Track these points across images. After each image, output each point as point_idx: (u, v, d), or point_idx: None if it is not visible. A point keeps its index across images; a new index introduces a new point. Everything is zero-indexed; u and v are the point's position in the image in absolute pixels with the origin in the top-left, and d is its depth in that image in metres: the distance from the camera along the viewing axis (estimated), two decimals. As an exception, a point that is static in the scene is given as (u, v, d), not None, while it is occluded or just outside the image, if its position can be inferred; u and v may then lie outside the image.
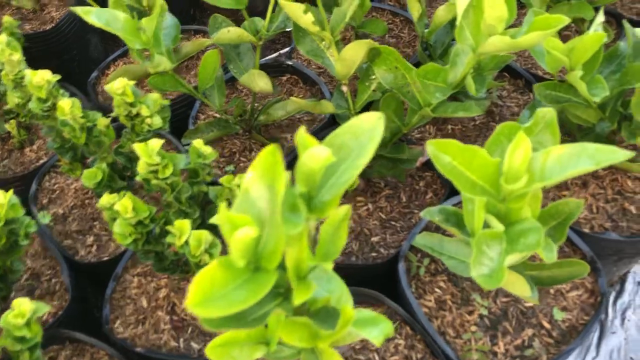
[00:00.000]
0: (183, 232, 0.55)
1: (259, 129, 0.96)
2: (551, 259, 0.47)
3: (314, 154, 0.27)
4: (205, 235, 0.55)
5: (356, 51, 0.70)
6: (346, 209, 0.32)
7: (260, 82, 0.80)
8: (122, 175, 0.76)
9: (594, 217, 0.79)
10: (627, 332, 0.95)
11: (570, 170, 0.40)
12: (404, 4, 1.22)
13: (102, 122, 0.71)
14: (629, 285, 1.00)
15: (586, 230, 0.77)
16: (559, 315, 0.68)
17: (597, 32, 0.66)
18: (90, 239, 0.85)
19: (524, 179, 0.41)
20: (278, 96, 1.01)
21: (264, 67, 0.95)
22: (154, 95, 0.71)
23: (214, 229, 0.58)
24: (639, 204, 0.80)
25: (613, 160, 0.38)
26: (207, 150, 0.62)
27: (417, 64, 0.70)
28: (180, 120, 1.00)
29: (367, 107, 0.79)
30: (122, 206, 0.56)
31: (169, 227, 0.56)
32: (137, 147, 0.56)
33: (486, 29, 0.56)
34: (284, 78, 1.07)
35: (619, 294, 1.00)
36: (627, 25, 0.74)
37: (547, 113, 0.46)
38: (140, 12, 1.03)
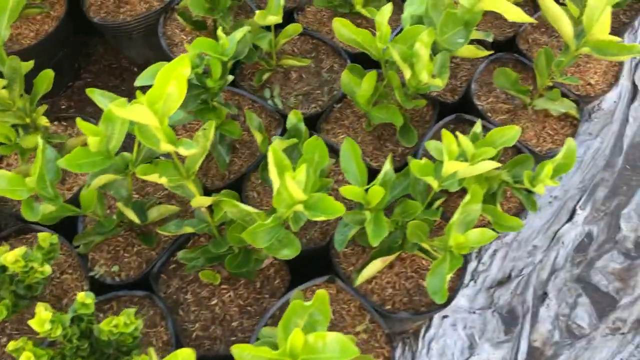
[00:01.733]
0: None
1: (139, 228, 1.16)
2: None
3: None
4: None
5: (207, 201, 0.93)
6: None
7: (131, 215, 1.01)
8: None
9: (396, 294, 1.10)
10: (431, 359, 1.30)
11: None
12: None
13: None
14: (435, 320, 1.35)
15: (388, 307, 1.08)
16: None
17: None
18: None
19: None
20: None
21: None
22: (44, 241, 0.91)
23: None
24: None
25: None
26: (89, 300, 0.83)
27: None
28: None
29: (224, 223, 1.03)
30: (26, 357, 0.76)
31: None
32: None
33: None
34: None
35: (428, 328, 1.34)
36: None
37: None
38: (25, 126, 1.19)
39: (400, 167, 1.24)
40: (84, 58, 1.72)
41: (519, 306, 1.34)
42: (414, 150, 1.25)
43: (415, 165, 0.95)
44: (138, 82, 1.04)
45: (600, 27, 1.08)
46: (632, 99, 1.64)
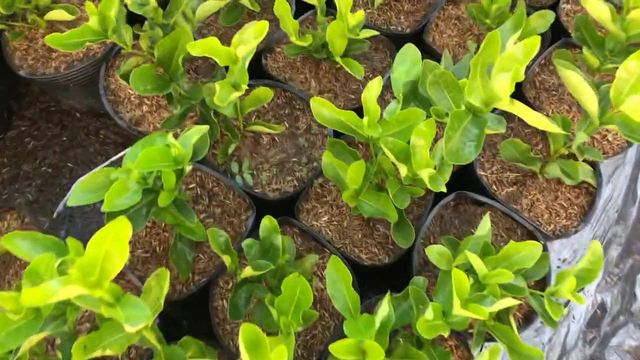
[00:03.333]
0: None
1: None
2: None
3: None
4: None
5: None
6: None
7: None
8: None
9: None
10: None
11: None
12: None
13: None
14: None
15: None
16: None
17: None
18: None
19: None
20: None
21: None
22: None
23: None
24: None
25: None
26: None
27: None
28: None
29: None
30: None
31: None
32: None
33: None
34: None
35: None
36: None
37: None
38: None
39: (398, 259, 1.08)
40: (16, 100, 1.48)
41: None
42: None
43: (422, 324, 0.79)
44: (70, 202, 0.86)
45: (632, 107, 0.91)
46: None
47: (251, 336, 0.69)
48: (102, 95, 1.21)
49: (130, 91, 1.23)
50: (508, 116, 1.21)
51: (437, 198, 1.12)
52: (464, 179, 1.19)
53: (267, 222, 0.95)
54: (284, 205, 1.13)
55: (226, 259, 0.91)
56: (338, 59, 1.17)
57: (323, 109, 0.96)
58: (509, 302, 0.83)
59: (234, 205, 1.12)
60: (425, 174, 0.90)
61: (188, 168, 0.99)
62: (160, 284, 0.80)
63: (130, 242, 1.09)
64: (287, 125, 1.21)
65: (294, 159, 1.18)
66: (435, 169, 0.96)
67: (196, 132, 0.87)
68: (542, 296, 0.97)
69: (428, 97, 0.98)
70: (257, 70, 1.25)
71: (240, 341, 0.68)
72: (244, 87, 1.02)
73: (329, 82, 1.26)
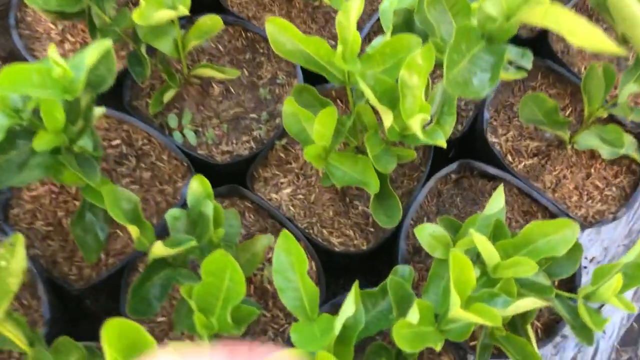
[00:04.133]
0: None
1: None
2: None
3: None
4: None
5: None
6: None
7: None
8: None
9: None
10: None
11: None
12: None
13: None
14: None
15: None
16: None
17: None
18: None
19: None
20: None
21: None
22: None
23: None
24: None
25: None
26: None
27: None
28: None
29: None
30: None
31: None
32: None
33: None
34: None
35: None
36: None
37: None
38: None
39: (380, 246, 0.82)
40: None
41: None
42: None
43: (403, 331, 0.53)
44: None
45: None
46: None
47: (124, 339, 0.43)
48: (12, 28, 0.95)
49: (51, 25, 0.98)
50: (529, 72, 0.96)
51: (434, 169, 0.86)
52: (473, 149, 0.94)
53: (196, 185, 0.69)
54: (236, 172, 0.88)
55: (133, 231, 0.65)
56: (315, -10, 0.92)
57: (283, 34, 0.70)
58: (531, 303, 0.57)
59: (169, 169, 0.86)
60: (417, 123, 0.64)
61: (98, 112, 0.74)
62: (15, 255, 0.54)
63: (27, 211, 0.83)
64: (247, 73, 0.95)
65: (252, 115, 0.92)
66: (432, 121, 0.71)
67: (94, 49, 0.62)
68: (572, 299, 0.72)
69: (427, 28, 0.72)
70: (215, 9, 1.00)
71: (104, 345, 0.43)
72: (184, 9, 0.77)
73: (303, 23, 1.01)
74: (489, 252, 0.62)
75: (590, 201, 0.88)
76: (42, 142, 0.61)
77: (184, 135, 0.89)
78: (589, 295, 0.69)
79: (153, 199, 0.85)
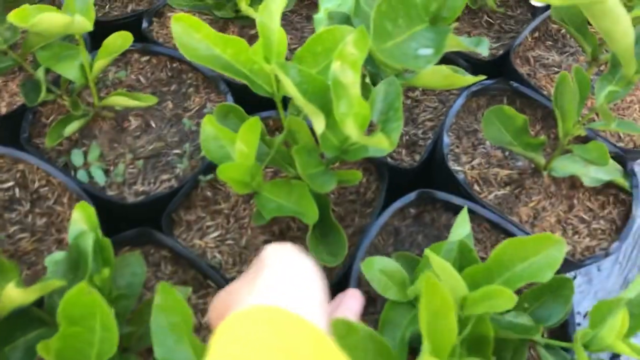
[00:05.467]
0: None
1: None
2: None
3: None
4: None
5: None
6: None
7: None
8: None
9: None
10: None
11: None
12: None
13: None
14: None
15: None
16: None
17: None
18: None
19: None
20: None
21: None
22: None
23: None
24: None
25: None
26: None
27: None
28: None
29: None
30: None
31: None
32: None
33: None
34: None
35: None
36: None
37: None
38: None
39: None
40: None
41: None
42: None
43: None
44: None
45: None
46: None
47: None
48: None
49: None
50: (492, 98, 0.85)
51: (389, 202, 0.72)
52: (432, 180, 0.81)
53: (78, 215, 0.54)
54: (153, 216, 0.73)
55: None
56: (245, 8, 0.82)
57: (193, 35, 0.59)
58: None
59: (69, 215, 0.71)
60: (353, 127, 0.51)
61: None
62: None
63: None
64: (172, 106, 0.83)
65: (175, 151, 0.79)
66: (375, 125, 0.58)
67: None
68: (568, 350, 0.57)
69: (366, 24, 0.62)
70: (139, 40, 0.89)
71: None
72: (85, 21, 0.65)
73: (238, 54, 0.90)
74: (454, 280, 0.47)
75: (576, 236, 0.74)
76: None
77: (89, 174, 0.75)
78: (588, 341, 0.54)
79: (48, 250, 0.69)
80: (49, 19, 0.62)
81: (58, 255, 0.56)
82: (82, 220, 0.54)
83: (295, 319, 0.31)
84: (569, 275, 0.71)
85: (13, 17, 0.59)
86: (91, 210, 0.54)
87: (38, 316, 0.53)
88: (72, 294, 0.41)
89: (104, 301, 0.42)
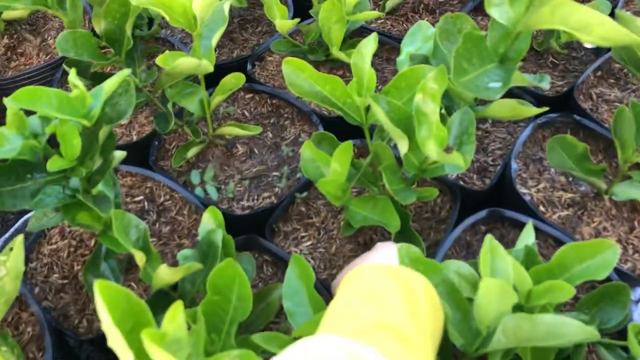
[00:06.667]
0: None
1: None
2: None
3: None
4: None
5: None
6: None
7: None
8: None
9: None
10: None
11: None
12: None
13: None
14: None
15: None
16: None
17: None
18: None
19: None
20: None
21: None
22: None
23: None
24: None
25: None
26: None
27: None
28: None
29: None
30: None
31: None
32: None
33: None
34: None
35: None
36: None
37: None
38: None
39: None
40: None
41: None
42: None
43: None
44: None
45: None
46: None
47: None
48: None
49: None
50: (556, 129, 0.93)
51: (462, 219, 0.82)
52: (501, 201, 0.89)
53: (208, 216, 0.67)
54: (257, 225, 0.85)
55: (139, 258, 0.62)
56: (335, 52, 0.95)
57: (299, 75, 0.72)
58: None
59: (189, 224, 0.85)
60: (433, 148, 0.62)
61: (119, 154, 0.74)
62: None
63: (44, 265, 0.82)
64: (271, 136, 0.96)
65: (274, 173, 0.92)
66: (450, 148, 0.68)
67: (114, 77, 0.64)
68: (627, 350, 0.63)
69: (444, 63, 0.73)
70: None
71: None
72: (208, 64, 0.80)
73: (328, 92, 1.03)
74: (521, 276, 0.56)
75: (637, 255, 0.81)
76: (55, 165, 0.61)
77: (205, 191, 0.89)
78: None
79: (171, 253, 0.83)
80: (185, 63, 0.77)
81: (187, 251, 0.69)
82: (211, 221, 0.66)
83: (407, 271, 0.43)
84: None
85: (159, 60, 0.75)
86: (219, 213, 0.67)
87: (174, 298, 0.65)
88: (220, 266, 0.53)
89: (244, 273, 0.54)
